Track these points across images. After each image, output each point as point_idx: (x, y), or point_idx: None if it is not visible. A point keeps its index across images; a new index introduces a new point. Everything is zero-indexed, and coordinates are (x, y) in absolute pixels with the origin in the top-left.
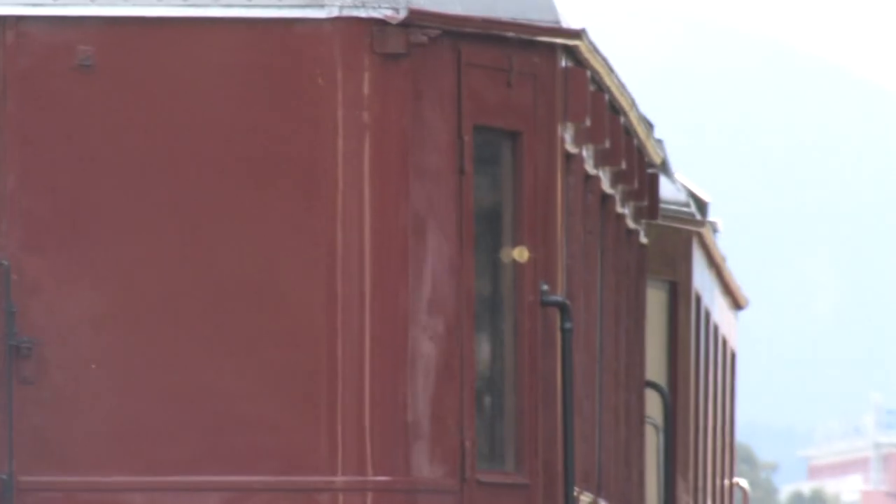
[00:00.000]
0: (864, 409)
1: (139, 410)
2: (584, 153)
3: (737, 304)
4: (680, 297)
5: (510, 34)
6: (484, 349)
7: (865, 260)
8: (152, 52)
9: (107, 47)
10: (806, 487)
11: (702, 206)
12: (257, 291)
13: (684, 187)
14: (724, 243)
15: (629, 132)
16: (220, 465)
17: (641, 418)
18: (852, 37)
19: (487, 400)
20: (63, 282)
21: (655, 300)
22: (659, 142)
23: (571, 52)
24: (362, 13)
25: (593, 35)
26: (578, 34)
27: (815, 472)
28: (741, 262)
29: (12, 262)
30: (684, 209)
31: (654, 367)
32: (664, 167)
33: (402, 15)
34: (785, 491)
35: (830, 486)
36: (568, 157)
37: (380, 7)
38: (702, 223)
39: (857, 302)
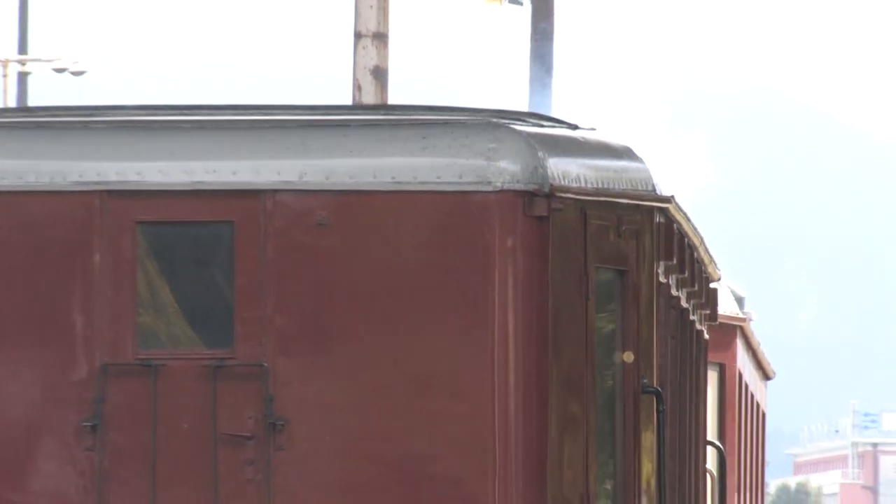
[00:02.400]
0: (843, 413)
1: (360, 470)
2: (670, 281)
3: (766, 375)
4: (727, 376)
5: (621, 200)
6: (602, 421)
7: (843, 280)
8: (370, 213)
9: (337, 211)
10: (792, 482)
11: (739, 300)
12: (441, 383)
13: (729, 289)
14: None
15: (699, 261)
16: None
17: (704, 470)
18: (835, 84)
19: (604, 456)
20: (306, 377)
21: (709, 378)
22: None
23: (663, 211)
24: (518, 187)
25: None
26: (669, 199)
27: (799, 468)
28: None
29: (270, 364)
30: (730, 310)
31: (708, 428)
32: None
33: (546, 189)
34: (773, 485)
35: (814, 480)
36: (659, 285)
37: (530, 183)
38: (742, 319)
39: (837, 318)
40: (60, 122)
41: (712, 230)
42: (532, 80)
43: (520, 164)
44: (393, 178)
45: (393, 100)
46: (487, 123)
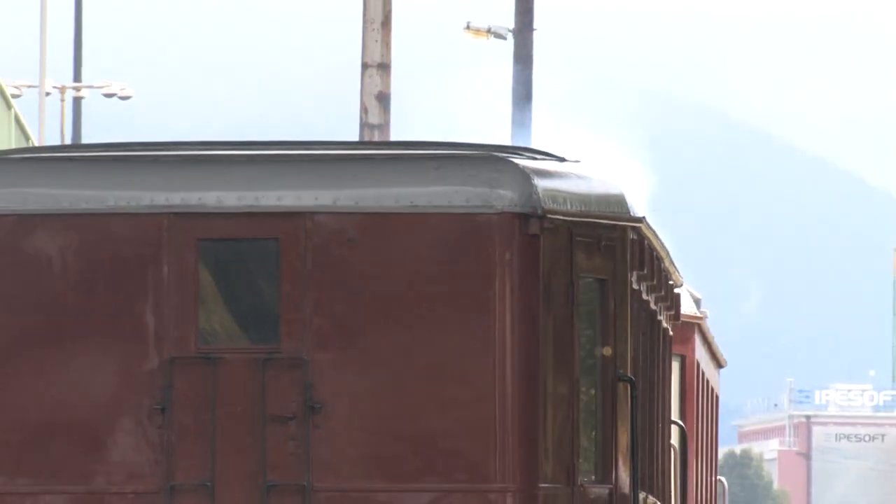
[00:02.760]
0: (781, 390)
1: (383, 444)
2: (642, 287)
3: (719, 364)
4: (687, 366)
5: (600, 221)
6: (585, 405)
7: (783, 274)
8: (392, 231)
9: (363, 228)
10: (737, 449)
11: (697, 301)
12: (451, 373)
13: (688, 292)
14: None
15: (664, 271)
16: (432, 477)
17: (669, 444)
18: (771, 104)
19: (587, 434)
20: (338, 368)
21: (673, 368)
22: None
23: (636, 229)
24: (515, 210)
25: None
26: (640, 220)
27: (743, 436)
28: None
29: (309, 357)
30: (689, 310)
31: (672, 409)
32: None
33: (539, 212)
34: (720, 452)
35: (756, 447)
36: (633, 291)
37: (525, 207)
38: (700, 318)
39: (776, 308)
40: (135, 156)
41: (665, 233)
42: (514, 102)
43: (517, 191)
44: (411, 202)
45: (393, 121)
46: (490, 157)
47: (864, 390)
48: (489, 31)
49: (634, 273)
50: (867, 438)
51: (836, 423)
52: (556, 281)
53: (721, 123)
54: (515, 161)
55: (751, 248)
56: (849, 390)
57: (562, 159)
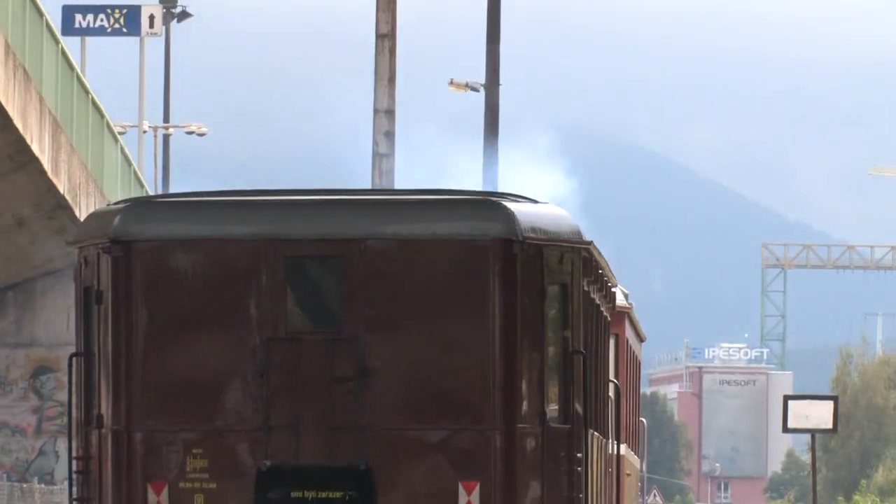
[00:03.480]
0: (680, 348)
1: (413, 397)
2: (590, 289)
3: (641, 339)
4: (620, 342)
5: (562, 244)
6: (551, 370)
7: (681, 264)
8: (418, 252)
9: (399, 250)
10: (648, 391)
11: (626, 295)
12: (459, 348)
13: (620, 289)
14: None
15: (605, 277)
16: (446, 420)
17: (608, 397)
18: (677, 138)
19: (552, 387)
20: (382, 345)
21: (610, 343)
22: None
23: (587, 249)
24: (503, 236)
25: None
26: (590, 243)
27: (653, 382)
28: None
29: (362, 338)
30: (621, 302)
31: (610, 372)
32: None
33: (520, 238)
34: None
35: (661, 390)
36: (584, 292)
37: (510, 235)
38: (628, 308)
39: (676, 289)
40: (240, 200)
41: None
42: (485, 141)
43: (505, 225)
44: (432, 231)
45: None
46: (486, 200)
47: (740, 348)
48: (467, 85)
49: (585, 280)
50: (743, 383)
51: (720, 372)
52: (531, 286)
53: (637, 154)
54: (504, 203)
55: (657, 245)
56: (729, 348)
57: (535, 201)
